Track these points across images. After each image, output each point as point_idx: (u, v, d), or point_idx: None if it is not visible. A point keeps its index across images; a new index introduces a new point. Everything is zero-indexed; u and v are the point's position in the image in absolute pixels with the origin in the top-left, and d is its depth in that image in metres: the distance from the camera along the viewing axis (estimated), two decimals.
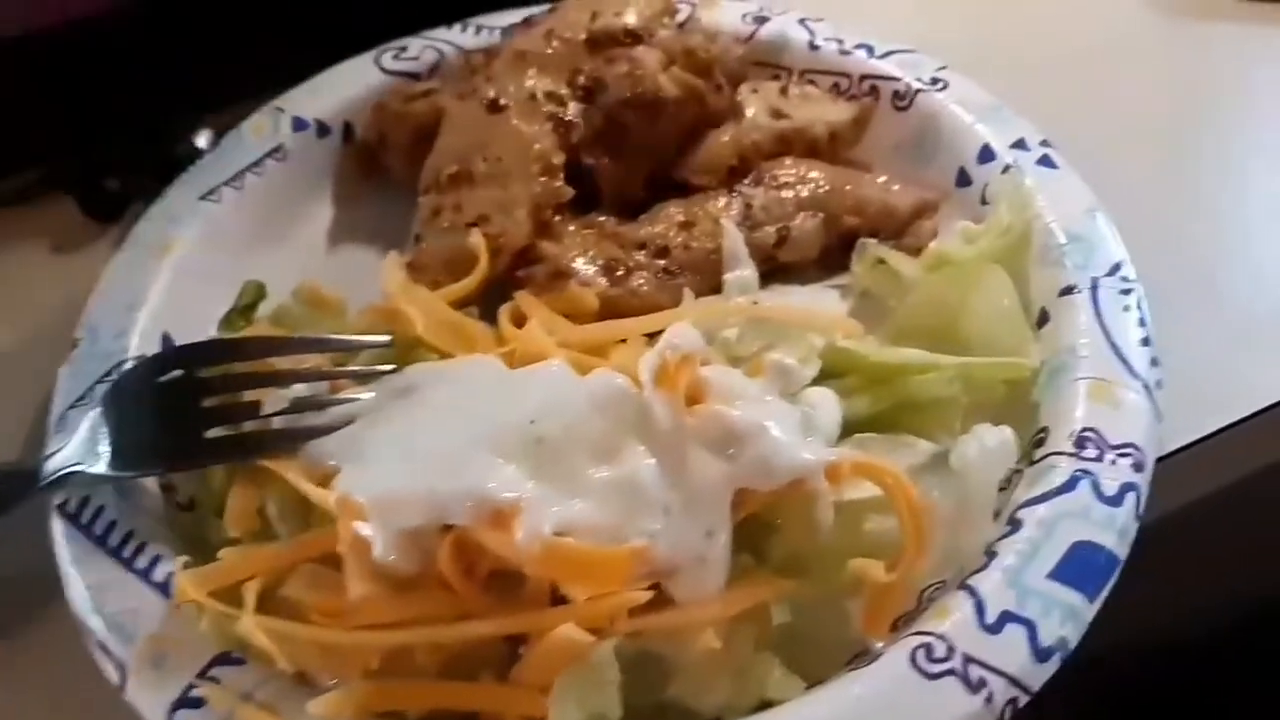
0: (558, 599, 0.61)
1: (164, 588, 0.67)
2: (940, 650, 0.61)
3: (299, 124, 0.95)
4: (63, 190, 0.99)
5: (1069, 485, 0.66)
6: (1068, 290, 0.77)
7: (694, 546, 0.61)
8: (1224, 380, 0.81)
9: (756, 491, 0.63)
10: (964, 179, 0.87)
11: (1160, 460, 0.70)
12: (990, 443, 0.67)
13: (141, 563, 0.68)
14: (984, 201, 0.85)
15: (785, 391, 0.68)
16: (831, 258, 0.85)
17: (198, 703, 0.62)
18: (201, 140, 0.98)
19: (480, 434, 0.64)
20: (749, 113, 0.90)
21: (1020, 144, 0.86)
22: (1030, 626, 0.61)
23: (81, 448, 0.71)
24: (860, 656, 0.64)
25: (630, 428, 0.64)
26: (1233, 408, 0.80)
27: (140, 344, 0.80)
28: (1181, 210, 0.93)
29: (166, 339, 0.82)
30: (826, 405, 0.68)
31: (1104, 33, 1.08)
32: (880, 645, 0.63)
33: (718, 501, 0.62)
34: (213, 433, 0.71)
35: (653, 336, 0.73)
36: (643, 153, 0.87)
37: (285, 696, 0.62)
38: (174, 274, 0.85)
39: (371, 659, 0.61)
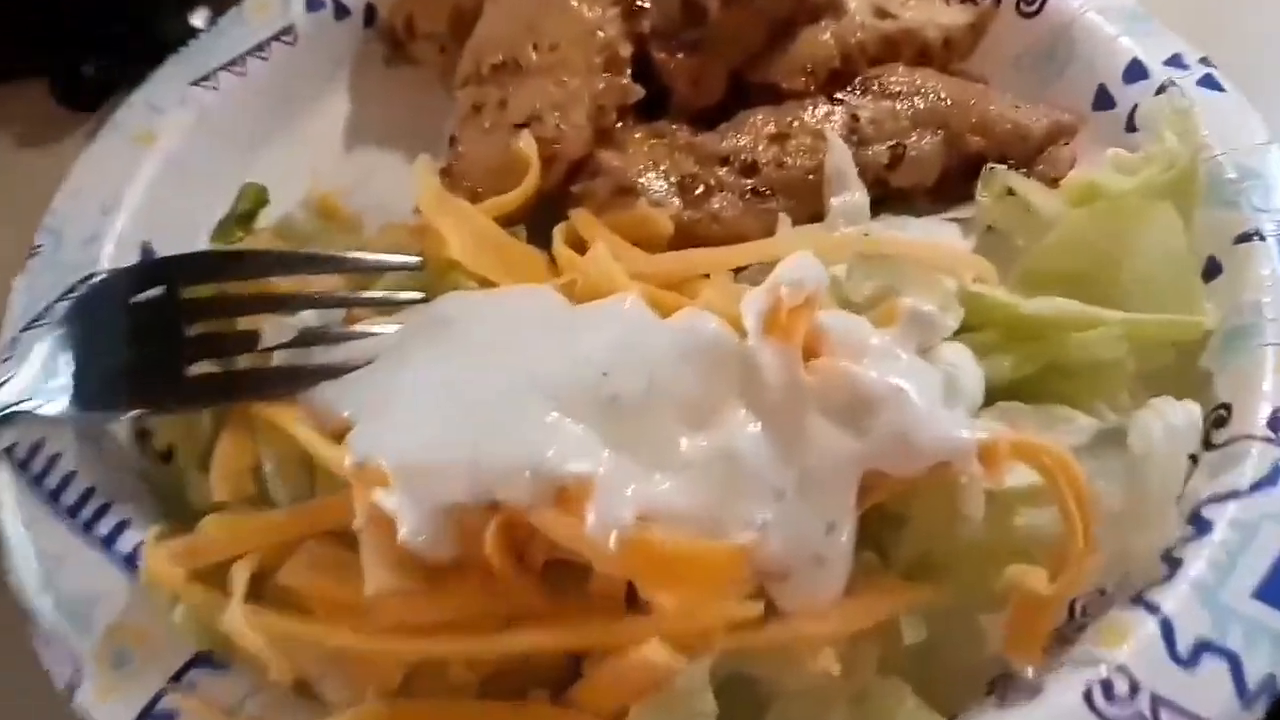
0: (632, 597, 0.48)
1: (130, 561, 0.55)
2: (1122, 687, 0.49)
3: (313, 3, 0.81)
4: (33, 74, 0.87)
5: (1270, 479, 0.55)
6: (1245, 237, 0.64)
7: (811, 543, 0.49)
8: None
9: (888, 475, 0.50)
10: (1105, 100, 0.74)
11: None
12: (1176, 421, 0.54)
13: (103, 528, 0.56)
14: (1130, 128, 0.72)
15: (921, 346, 0.55)
16: (947, 188, 0.72)
17: (168, 717, 0.50)
18: (197, 19, 0.85)
19: (538, 387, 0.52)
20: (849, 9, 0.76)
21: (1176, 60, 0.73)
22: (1234, 660, 0.50)
23: (36, 379, 0.59)
24: (1002, 681, 0.51)
25: (731, 386, 0.52)
26: None
27: (115, 254, 0.68)
28: None
29: (146, 249, 0.70)
30: (967, 365, 0.55)
31: None
32: (1030, 672, 0.51)
33: (842, 486, 0.50)
34: (198, 368, 0.58)
35: (739, 272, 0.62)
36: (724, 48, 0.73)
37: (280, 712, 0.50)
38: (159, 171, 0.73)
39: (394, 671, 0.48)
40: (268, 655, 0.49)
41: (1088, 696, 0.48)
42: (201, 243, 0.70)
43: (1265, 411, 0.57)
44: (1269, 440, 0.55)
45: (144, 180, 0.72)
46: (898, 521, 0.53)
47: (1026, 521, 0.53)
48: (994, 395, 0.57)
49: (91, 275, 0.66)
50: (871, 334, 0.54)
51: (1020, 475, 0.53)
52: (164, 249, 0.69)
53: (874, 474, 0.50)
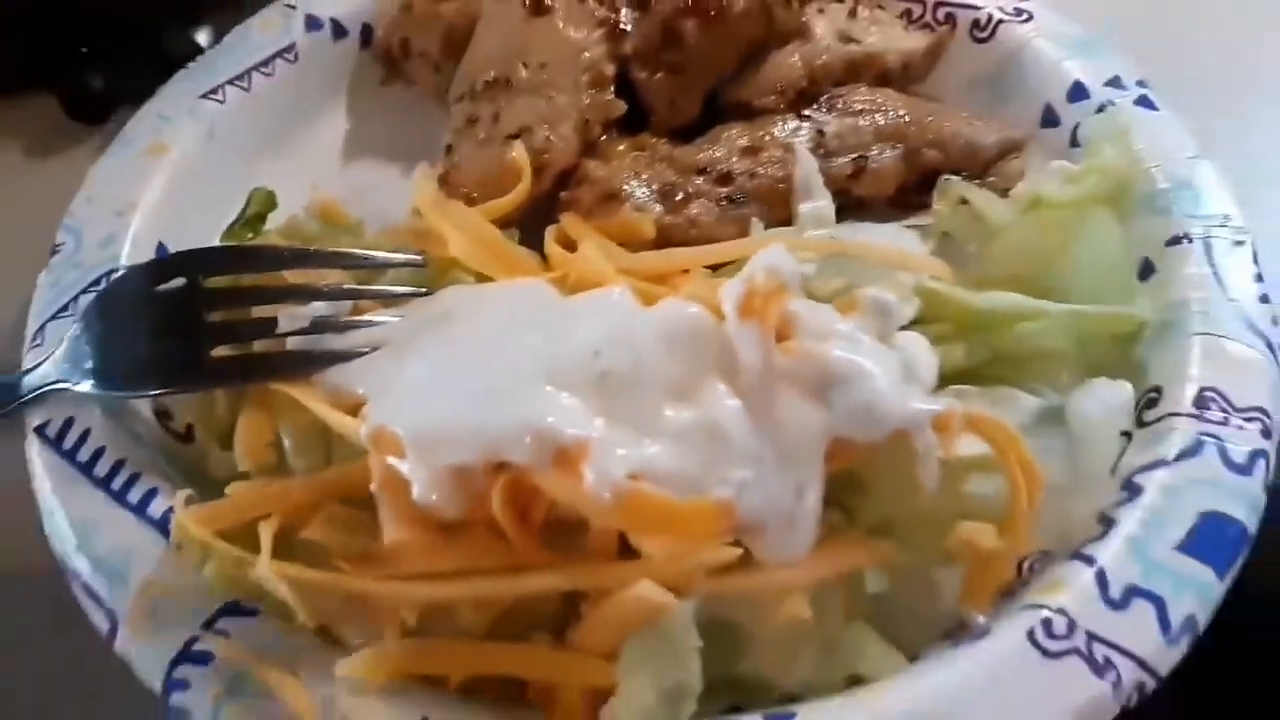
0: (623, 553, 0.53)
1: (161, 525, 0.59)
2: (1060, 626, 0.54)
3: (313, 23, 0.86)
4: (43, 88, 0.90)
5: (1193, 449, 0.60)
6: (1176, 240, 0.69)
7: (783, 502, 0.54)
8: None
9: (852, 443, 0.55)
10: (1051, 118, 0.80)
11: None
12: (1110, 400, 0.60)
13: (134, 496, 0.60)
14: (1074, 143, 0.78)
15: (881, 332, 0.60)
16: (906, 197, 0.78)
17: (203, 658, 0.54)
18: (201, 37, 0.89)
19: (536, 364, 0.56)
20: (816, 34, 0.82)
21: (1115, 82, 0.79)
22: (1159, 604, 0.54)
23: (64, 363, 0.64)
24: (956, 631, 0.56)
25: (709, 364, 0.57)
26: None
27: (132, 253, 0.72)
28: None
29: (162, 249, 0.73)
30: (922, 352, 0.61)
31: None
32: (980, 619, 0.56)
33: (811, 452, 0.55)
34: (218, 351, 0.62)
35: (716, 270, 0.67)
36: (701, 69, 0.79)
37: (305, 655, 0.54)
38: (170, 178, 0.77)
39: (409, 614, 0.53)
40: (294, 601, 0.53)
41: (1030, 634, 0.53)
42: (212, 244, 0.73)
43: (1191, 392, 0.62)
44: (1193, 417, 0.60)
45: (157, 187, 0.76)
46: (861, 486, 0.57)
47: (976, 488, 0.58)
48: (948, 380, 0.61)
49: (111, 272, 0.69)
50: (837, 320, 0.59)
51: (971, 446, 0.58)
52: (176, 249, 0.73)
53: (839, 442, 0.55)
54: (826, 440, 0.55)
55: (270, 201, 0.73)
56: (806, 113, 0.78)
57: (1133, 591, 0.54)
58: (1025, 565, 0.60)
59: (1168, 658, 0.53)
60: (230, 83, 0.82)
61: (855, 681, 0.54)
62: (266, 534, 0.54)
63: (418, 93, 0.85)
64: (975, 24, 0.84)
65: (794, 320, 0.58)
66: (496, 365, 0.57)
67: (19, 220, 0.82)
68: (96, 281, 0.69)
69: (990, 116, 0.81)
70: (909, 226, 0.75)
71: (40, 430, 0.62)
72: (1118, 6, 0.91)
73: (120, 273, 0.68)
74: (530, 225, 0.71)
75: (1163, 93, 0.78)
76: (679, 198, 0.73)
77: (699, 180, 0.74)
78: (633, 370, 0.56)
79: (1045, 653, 0.53)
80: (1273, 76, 0.93)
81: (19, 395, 0.62)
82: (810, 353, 0.56)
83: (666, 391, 0.56)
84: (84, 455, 0.61)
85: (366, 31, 0.87)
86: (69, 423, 0.62)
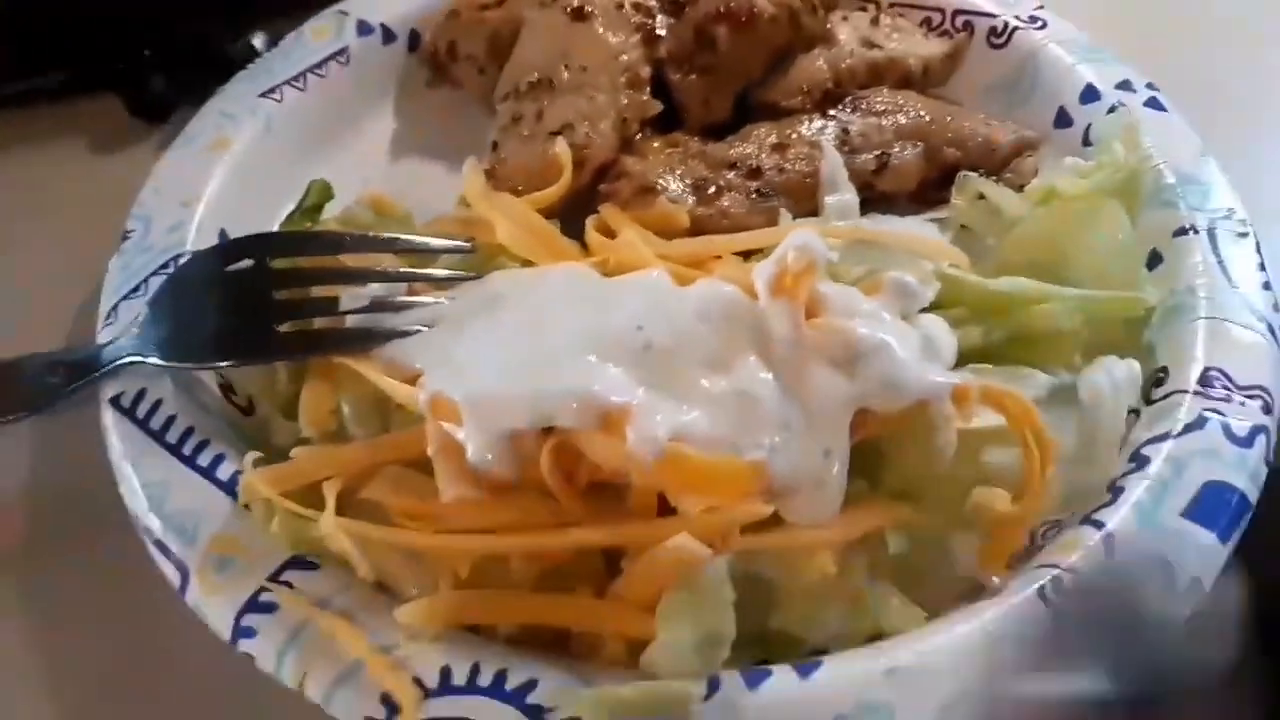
0: (662, 513, 0.57)
1: (229, 487, 0.63)
2: (1070, 583, 0.57)
3: (364, 28, 0.91)
4: (108, 88, 0.95)
5: (1198, 424, 0.63)
6: (1182, 231, 0.73)
7: (812, 466, 0.58)
8: None
9: (876, 413, 0.59)
10: (1064, 119, 0.84)
11: None
12: (1119, 375, 0.64)
13: (204, 460, 0.64)
14: (1086, 142, 0.82)
15: (903, 312, 0.64)
16: (927, 193, 0.81)
17: (269, 607, 0.58)
18: (257, 41, 0.94)
19: (582, 338, 0.60)
20: (840, 39, 0.86)
21: (1125, 85, 0.83)
22: (1165, 566, 0.57)
23: (138, 339, 0.68)
24: (972, 593, 0.60)
25: (744, 339, 0.60)
26: None
27: (197, 239, 0.76)
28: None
29: (223, 236, 0.77)
30: (942, 332, 0.64)
31: None
32: (996, 581, 0.60)
33: (838, 421, 0.58)
34: (284, 327, 0.66)
35: (748, 257, 0.70)
36: (731, 71, 0.83)
37: (364, 605, 0.58)
38: (231, 171, 0.81)
39: (462, 566, 0.56)
40: (354, 556, 0.57)
41: (1041, 591, 0.56)
42: None
43: (1196, 371, 0.65)
44: (1198, 394, 0.64)
45: (219, 179, 0.80)
46: (885, 455, 0.61)
47: (992, 458, 0.61)
48: (965, 359, 0.64)
49: (179, 256, 0.73)
50: (862, 300, 0.63)
51: (988, 419, 0.62)
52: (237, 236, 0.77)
53: (864, 412, 0.58)
54: (852, 410, 0.59)
55: (327, 192, 0.77)
56: (832, 113, 0.82)
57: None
58: (1039, 533, 0.63)
59: None
60: (287, 83, 0.86)
61: (878, 638, 0.58)
62: (331, 492, 0.58)
63: (462, 94, 0.90)
64: (992, 30, 0.89)
65: (822, 300, 0.62)
66: (545, 339, 0.61)
67: (87, 210, 0.86)
68: (165, 265, 0.73)
69: (1006, 117, 0.85)
70: (929, 219, 0.79)
71: (115, 401, 0.66)
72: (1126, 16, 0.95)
73: (190, 255, 0.72)
74: (571, 217, 0.75)
75: (1171, 95, 0.82)
76: (711, 191, 0.77)
77: (730, 174, 0.78)
78: (672, 343, 0.60)
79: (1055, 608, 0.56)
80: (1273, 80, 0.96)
81: (96, 368, 0.66)
82: (837, 328, 0.60)
83: (703, 363, 0.60)
84: (156, 423, 0.65)
85: (414, 36, 0.92)
86: (141, 394, 0.66)
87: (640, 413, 0.56)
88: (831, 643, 0.58)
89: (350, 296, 0.67)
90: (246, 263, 0.68)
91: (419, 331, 0.65)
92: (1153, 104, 0.81)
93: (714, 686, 0.54)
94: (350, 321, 0.66)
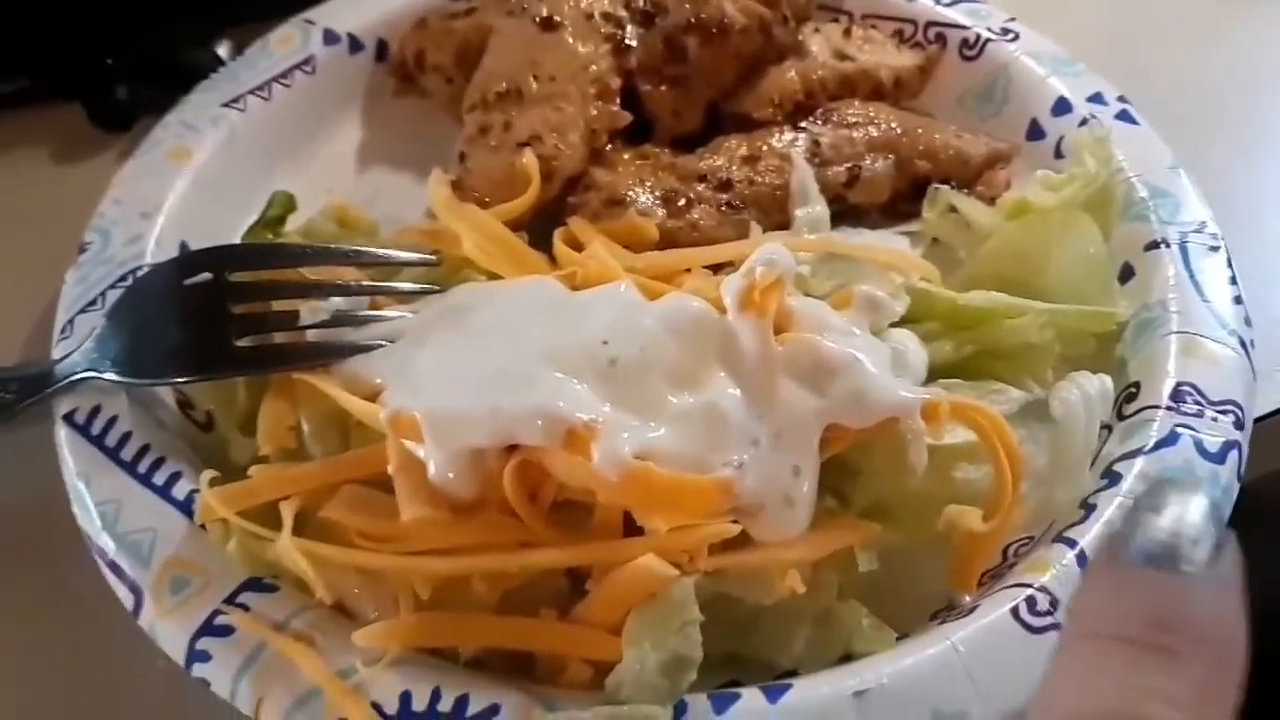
0: (628, 533, 0.56)
1: (185, 506, 0.61)
2: (1044, 603, 0.56)
3: (330, 37, 0.89)
4: (69, 97, 0.93)
5: (1170, 439, 0.63)
6: (1154, 245, 0.73)
7: (780, 483, 0.57)
8: None
9: (845, 429, 0.58)
10: (1036, 132, 0.83)
11: None
12: (1091, 390, 0.63)
13: (159, 478, 0.62)
14: (1058, 155, 0.81)
15: (874, 326, 0.63)
16: (898, 206, 0.81)
17: (225, 630, 0.56)
18: (222, 50, 0.92)
19: (547, 352, 0.59)
20: (812, 51, 0.85)
21: (1098, 98, 0.82)
22: None
23: (93, 353, 0.66)
24: (944, 612, 0.59)
25: (712, 354, 0.60)
26: None
27: (157, 251, 0.74)
28: (1253, 178, 0.89)
29: (185, 248, 0.75)
30: (913, 346, 0.64)
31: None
32: (968, 600, 0.59)
33: (806, 437, 0.58)
34: (243, 341, 0.65)
35: (717, 270, 0.69)
36: (702, 82, 0.82)
37: (323, 628, 0.56)
38: (192, 182, 0.79)
39: (422, 587, 0.55)
40: (311, 578, 0.56)
41: (1014, 610, 0.55)
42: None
43: (1168, 386, 0.64)
44: (1170, 409, 0.63)
45: (180, 190, 0.78)
46: (854, 472, 0.60)
47: (964, 475, 0.61)
48: (937, 374, 0.64)
49: (137, 269, 0.72)
50: (831, 314, 0.62)
51: (959, 435, 0.61)
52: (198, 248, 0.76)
53: (833, 428, 0.58)
54: (821, 426, 0.58)
55: (290, 203, 0.75)
56: (803, 125, 0.81)
57: None
58: (1011, 550, 0.63)
59: None
60: (251, 93, 0.84)
61: (849, 659, 0.57)
62: (288, 512, 0.57)
63: (429, 104, 0.88)
64: (964, 43, 0.88)
65: (791, 314, 0.61)
66: (509, 354, 0.60)
67: (46, 221, 0.84)
68: (123, 278, 0.71)
69: (979, 130, 0.84)
70: (901, 233, 0.79)
71: (68, 417, 0.65)
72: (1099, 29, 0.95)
73: (147, 268, 0.71)
74: (540, 229, 0.74)
75: (1142, 109, 0.82)
76: (681, 203, 0.76)
77: (700, 187, 0.77)
78: (639, 358, 0.59)
79: (1029, 628, 0.55)
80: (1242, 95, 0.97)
81: (50, 384, 0.65)
82: (806, 343, 0.59)
83: (670, 379, 0.59)
84: (111, 440, 0.64)
85: (382, 46, 0.90)
86: (96, 410, 0.65)
87: (605, 429, 0.55)
88: (802, 664, 0.57)
89: (311, 310, 0.65)
90: (205, 276, 0.66)
91: (380, 346, 0.63)
92: (1124, 116, 0.81)
93: (681, 710, 0.53)
94: (311, 336, 0.65)
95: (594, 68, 0.80)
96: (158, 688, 0.60)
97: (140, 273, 0.71)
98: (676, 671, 0.52)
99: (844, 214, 0.79)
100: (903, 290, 0.66)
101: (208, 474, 0.60)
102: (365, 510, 0.58)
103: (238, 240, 0.76)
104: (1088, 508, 0.61)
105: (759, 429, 0.57)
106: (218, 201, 0.80)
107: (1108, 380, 0.64)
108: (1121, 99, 0.82)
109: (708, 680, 0.55)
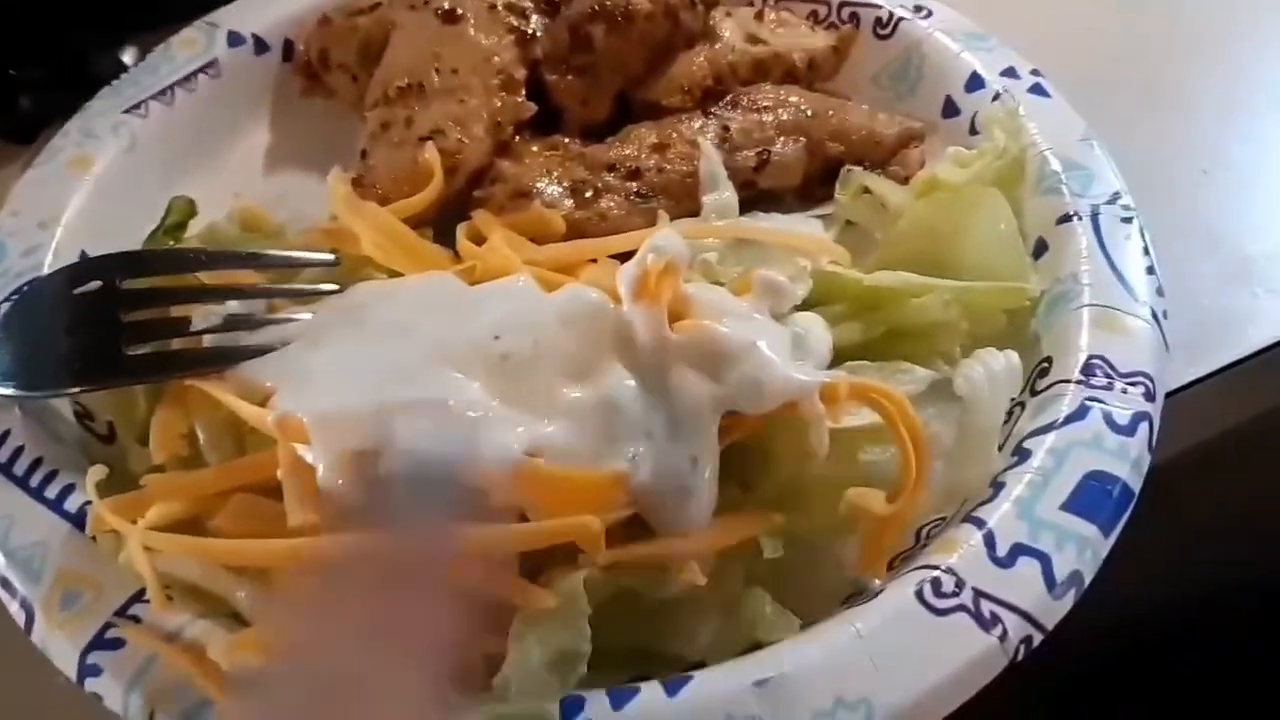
0: None
1: (78, 519, 0.60)
2: (949, 585, 0.55)
3: (235, 39, 0.88)
4: None
5: (1079, 414, 0.62)
6: (1066, 218, 0.72)
7: (678, 474, 0.56)
8: (1218, 321, 0.78)
9: (745, 416, 0.57)
10: (951, 109, 0.82)
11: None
12: (996, 367, 0.62)
13: (52, 492, 0.61)
14: (973, 131, 0.80)
15: (774, 311, 0.62)
16: (811, 189, 0.80)
17: (115, 644, 0.55)
18: (127, 56, 0.91)
19: (438, 349, 0.58)
20: (724, 36, 0.84)
21: (1010, 72, 0.81)
22: (1044, 560, 0.56)
23: None
24: (855, 597, 0.58)
25: (607, 345, 0.58)
26: (1228, 348, 0.76)
27: (54, 262, 0.73)
28: (1172, 148, 0.88)
29: (85, 258, 0.74)
30: (816, 329, 0.63)
31: None
32: (878, 584, 0.58)
33: (704, 425, 0.57)
34: (135, 350, 0.63)
35: (624, 259, 0.68)
36: (609, 71, 0.81)
37: (215, 637, 0.55)
38: (92, 191, 0.78)
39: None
40: (150, 583, 0.55)
41: (919, 593, 0.55)
42: None
43: (1080, 360, 0.63)
44: (1080, 383, 0.62)
45: (81, 200, 0.77)
46: (757, 459, 0.59)
47: (870, 457, 0.60)
48: (846, 356, 0.63)
49: (33, 280, 0.71)
50: (730, 300, 0.61)
51: (865, 418, 0.60)
52: None
53: (732, 415, 0.57)
54: (719, 414, 0.57)
55: (190, 209, 0.74)
56: (713, 111, 0.80)
57: (1019, 550, 0.56)
58: (924, 532, 0.62)
59: (1053, 611, 0.55)
60: (153, 98, 0.83)
61: (755, 648, 0.56)
62: (151, 516, 0.56)
63: (337, 106, 0.87)
64: (878, 21, 0.87)
65: (688, 301, 0.60)
66: (400, 351, 0.59)
67: None
68: (19, 290, 0.70)
69: (896, 109, 0.83)
70: (815, 216, 0.77)
71: None
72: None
73: (37, 279, 0.69)
74: (446, 225, 0.73)
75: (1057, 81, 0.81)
76: (589, 193, 0.75)
77: (609, 176, 0.76)
78: (532, 352, 0.58)
79: (933, 610, 0.54)
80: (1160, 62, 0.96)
81: None
82: (702, 330, 0.58)
83: (565, 372, 0.58)
84: (3, 455, 0.62)
85: (289, 46, 0.89)
86: None
87: (494, 426, 0.54)
88: (709, 655, 0.56)
89: (204, 316, 0.64)
90: (95, 284, 0.65)
91: (275, 349, 0.62)
92: (1037, 90, 0.80)
93: (578, 707, 0.52)
94: (205, 342, 0.64)
95: (497, 59, 0.79)
96: (58, 707, 0.59)
97: (32, 284, 0.69)
98: (564, 667, 0.51)
99: (758, 199, 0.78)
100: (806, 273, 0.65)
101: (94, 476, 0.58)
102: (256, 518, 0.56)
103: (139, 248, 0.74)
104: (997, 486, 0.60)
105: (654, 419, 0.56)
106: (121, 210, 0.78)
107: (1014, 356, 0.63)
108: (1035, 72, 0.81)
109: (615, 676, 0.54)
